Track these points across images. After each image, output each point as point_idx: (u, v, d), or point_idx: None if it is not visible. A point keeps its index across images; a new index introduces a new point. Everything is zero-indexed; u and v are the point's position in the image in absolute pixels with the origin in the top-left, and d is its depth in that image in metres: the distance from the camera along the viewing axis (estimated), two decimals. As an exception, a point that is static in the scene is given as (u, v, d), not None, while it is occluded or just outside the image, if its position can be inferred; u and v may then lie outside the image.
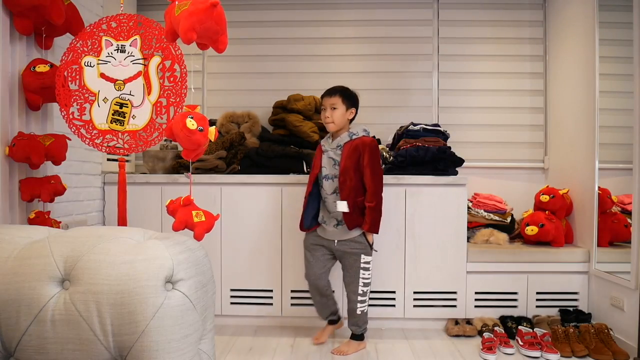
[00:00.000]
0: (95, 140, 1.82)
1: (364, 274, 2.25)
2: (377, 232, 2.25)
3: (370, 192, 2.20)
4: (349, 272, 2.28)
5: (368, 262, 2.26)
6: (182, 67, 1.86)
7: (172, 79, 1.87)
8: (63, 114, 1.81)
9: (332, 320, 2.45)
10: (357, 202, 2.21)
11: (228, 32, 1.65)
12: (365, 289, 2.26)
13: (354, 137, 2.24)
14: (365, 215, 2.21)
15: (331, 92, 2.24)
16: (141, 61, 1.85)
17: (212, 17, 1.50)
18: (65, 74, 1.78)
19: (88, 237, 0.96)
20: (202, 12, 1.48)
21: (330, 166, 2.25)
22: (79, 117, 1.81)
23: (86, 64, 1.80)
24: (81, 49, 1.80)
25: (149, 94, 1.86)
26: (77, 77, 1.80)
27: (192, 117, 1.65)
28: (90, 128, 1.82)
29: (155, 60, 1.87)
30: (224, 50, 1.66)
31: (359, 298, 2.26)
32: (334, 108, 2.21)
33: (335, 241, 2.28)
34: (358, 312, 2.27)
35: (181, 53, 1.88)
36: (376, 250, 2.35)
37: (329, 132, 2.32)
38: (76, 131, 1.81)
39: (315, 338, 2.42)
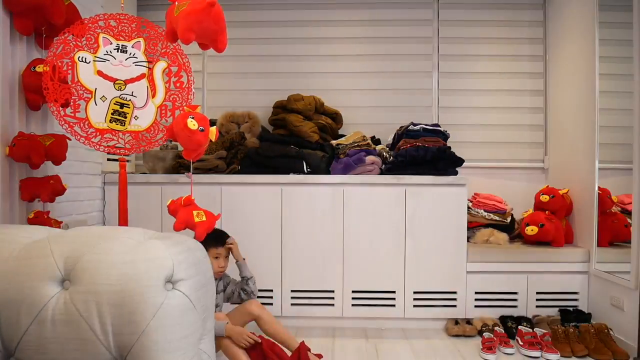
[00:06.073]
0: (93, 139, 1.80)
1: None
2: None
3: None
4: None
5: None
6: (190, 74, 1.86)
7: (178, 84, 1.87)
8: (52, 109, 1.76)
9: None
10: None
11: (228, 32, 1.65)
12: None
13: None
14: None
15: (222, 241, 2.14)
16: (145, 64, 1.85)
17: (210, 17, 1.50)
18: (61, 63, 1.73)
19: (88, 237, 0.96)
20: (200, 12, 1.48)
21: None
22: (72, 114, 1.76)
23: (80, 59, 1.76)
24: (73, 42, 1.75)
25: (153, 96, 1.86)
26: (70, 72, 1.75)
27: (193, 118, 1.65)
28: (86, 126, 1.79)
29: (161, 65, 1.87)
30: (224, 49, 1.66)
31: None
32: (226, 256, 2.17)
33: None
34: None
35: (189, 61, 1.88)
36: None
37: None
38: (69, 129, 1.77)
39: None
